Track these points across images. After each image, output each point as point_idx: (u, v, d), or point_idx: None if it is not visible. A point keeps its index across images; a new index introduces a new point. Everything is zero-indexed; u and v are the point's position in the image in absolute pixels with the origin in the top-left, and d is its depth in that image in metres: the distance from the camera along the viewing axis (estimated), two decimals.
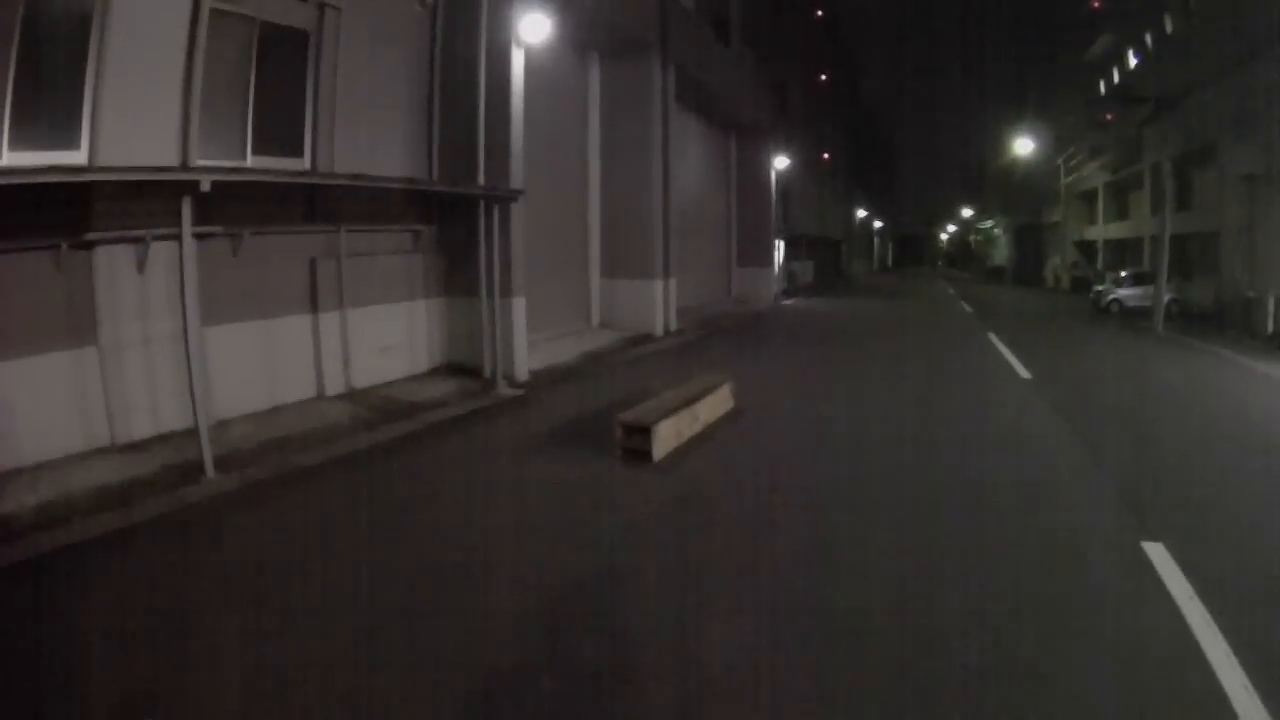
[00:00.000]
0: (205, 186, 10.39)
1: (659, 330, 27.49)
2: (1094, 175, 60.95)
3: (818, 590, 7.52)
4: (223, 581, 7.79)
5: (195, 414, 10.60)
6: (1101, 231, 60.59)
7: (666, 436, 11.91)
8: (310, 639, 6.52)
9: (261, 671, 6.03)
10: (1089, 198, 64.27)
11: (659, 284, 27.79)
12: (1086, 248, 65.16)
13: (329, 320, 15.34)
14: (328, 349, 15.36)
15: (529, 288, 18.68)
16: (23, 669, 6.16)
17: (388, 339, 16.82)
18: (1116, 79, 56.97)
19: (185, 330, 10.66)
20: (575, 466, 11.63)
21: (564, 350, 21.58)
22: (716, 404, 14.36)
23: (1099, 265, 58.47)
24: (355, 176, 14.81)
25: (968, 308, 45.28)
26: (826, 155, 70.17)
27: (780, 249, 51.27)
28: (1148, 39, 49.44)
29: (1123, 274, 43.25)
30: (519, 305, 17.93)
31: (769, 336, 30.20)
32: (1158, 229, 35.81)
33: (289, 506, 10.16)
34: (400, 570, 7.98)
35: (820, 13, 67.42)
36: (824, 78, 69.71)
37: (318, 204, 14.84)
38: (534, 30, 17.59)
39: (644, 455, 11.54)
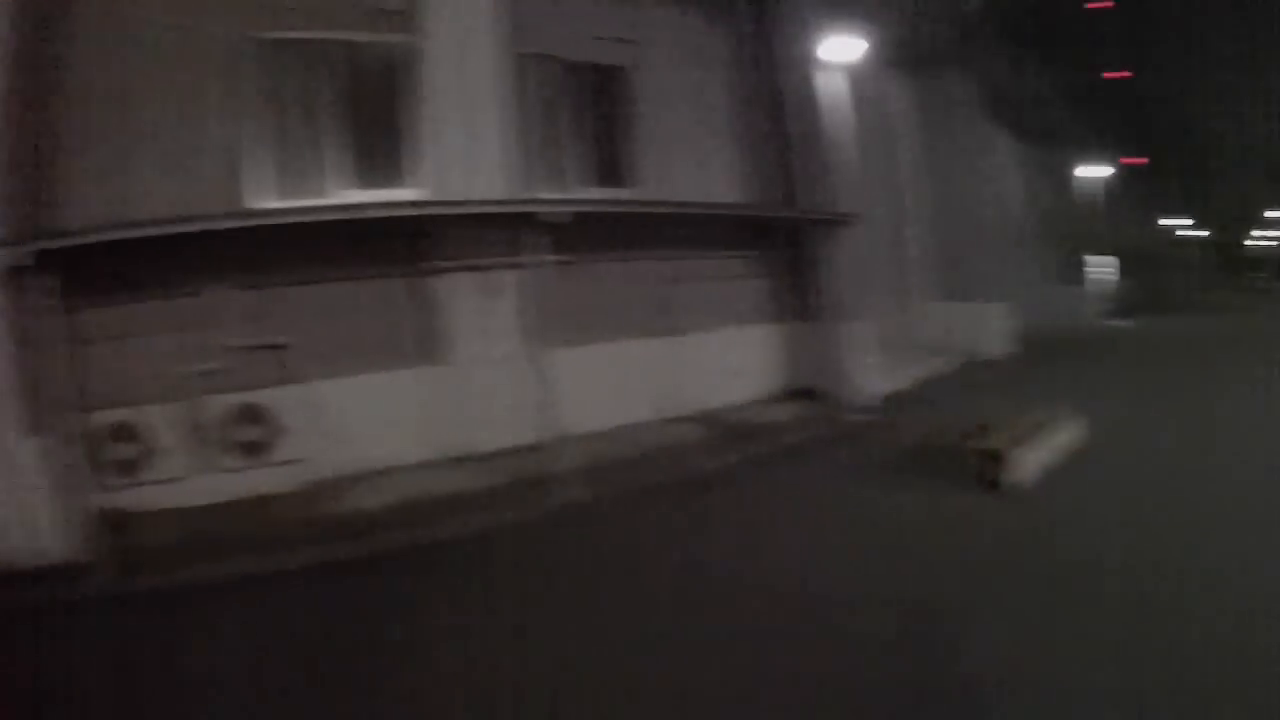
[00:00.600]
0: (560, 218, 11.31)
1: (992, 353, 26.44)
2: None
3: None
4: (556, 589, 8.38)
5: (542, 430, 11.52)
6: None
7: (1018, 464, 11.48)
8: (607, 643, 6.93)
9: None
10: None
11: (987, 306, 26.95)
12: None
13: (667, 344, 15.74)
14: (667, 371, 15.71)
15: (862, 311, 18.35)
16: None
17: (726, 362, 16.87)
18: None
19: (528, 352, 11.77)
20: (925, 493, 11.43)
21: (899, 375, 21.07)
22: (1065, 432, 13.70)
23: None
24: (685, 204, 15.14)
25: None
26: (1137, 161, 67.32)
27: (1095, 265, 49.39)
28: None
29: None
30: (856, 329, 17.63)
31: (1098, 358, 28.75)
32: None
33: (634, 522, 10.53)
34: (716, 601, 8.05)
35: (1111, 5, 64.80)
36: (1129, 77, 66.95)
37: (651, 232, 15.22)
38: (845, 51, 17.17)
39: (995, 484, 11.24)
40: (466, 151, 12.64)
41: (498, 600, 8.11)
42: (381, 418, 12.28)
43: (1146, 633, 7.19)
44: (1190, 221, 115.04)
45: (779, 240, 17.52)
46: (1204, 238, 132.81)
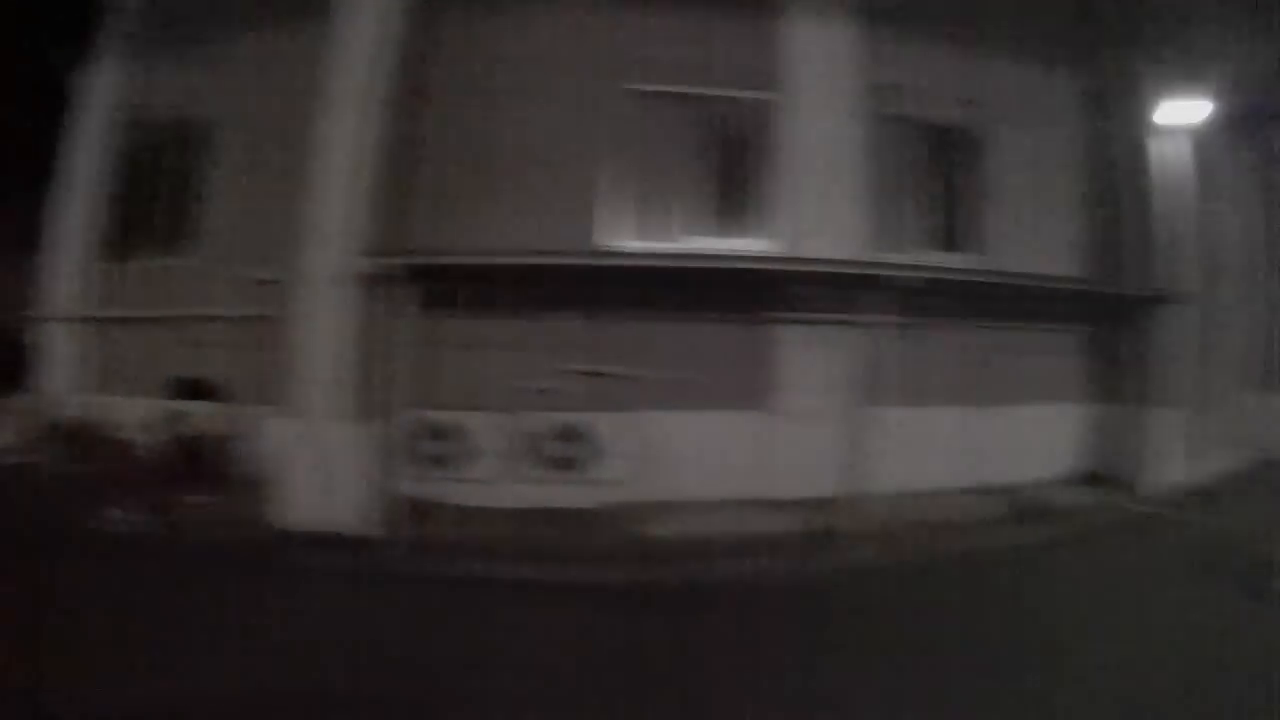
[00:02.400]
0: (903, 283, 11.96)
1: None
2: None
3: None
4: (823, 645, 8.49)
5: (847, 486, 12.11)
6: None
7: None
8: None
9: None
10: None
11: None
12: None
13: (975, 414, 15.62)
14: (970, 441, 15.55)
15: (1177, 398, 17.62)
16: None
17: (1031, 439, 16.59)
18: None
19: (851, 409, 12.24)
20: (1211, 605, 10.64)
21: (1203, 468, 20.25)
22: None
23: None
24: (1019, 275, 15.01)
25: None
26: None
27: None
28: None
29: None
30: (1165, 416, 16.93)
31: None
32: None
33: (920, 591, 10.59)
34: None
35: None
36: None
37: (981, 300, 15.20)
38: (1193, 113, 16.35)
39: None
40: (817, 209, 13.36)
41: (766, 648, 8.36)
42: (698, 453, 13.08)
43: None
44: None
45: (1103, 315, 17.06)
46: None
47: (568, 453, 13.55)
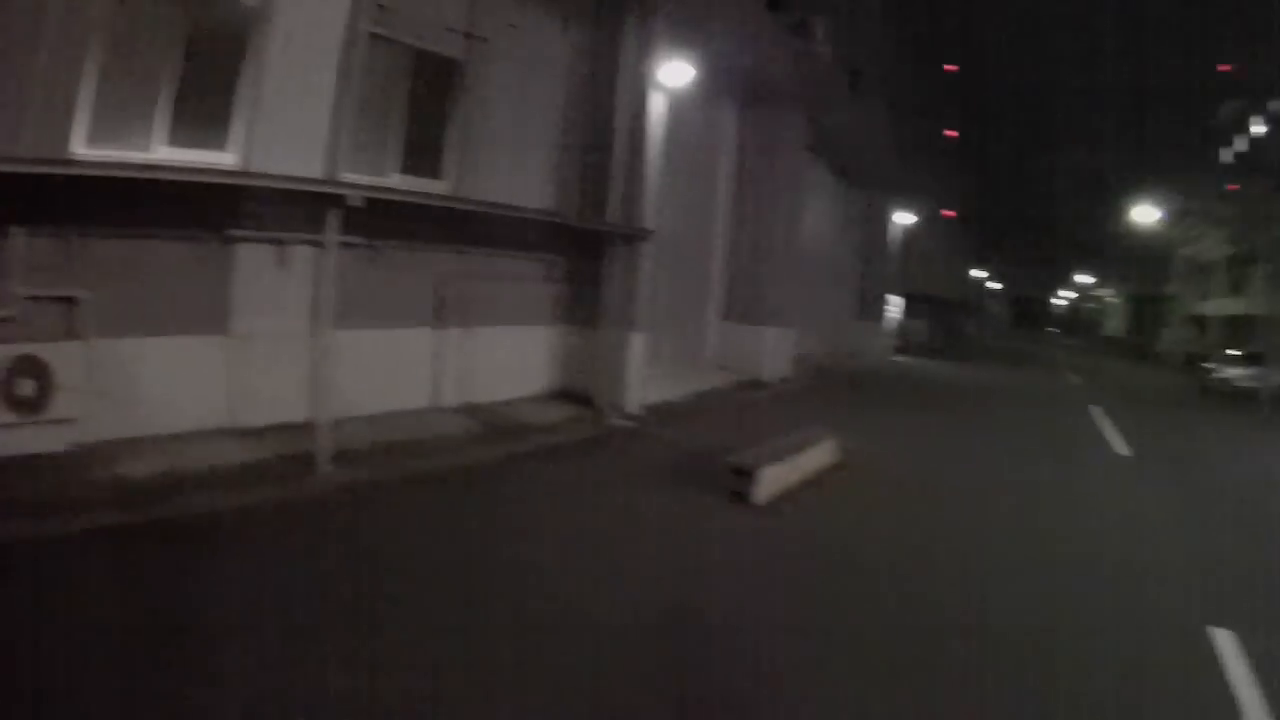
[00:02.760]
0: (356, 202, 11.30)
1: (772, 376, 27.42)
2: (1213, 247, 60.20)
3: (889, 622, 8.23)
4: (294, 577, 8.16)
5: (315, 408, 11.57)
6: (1215, 306, 59.71)
7: (772, 481, 12.26)
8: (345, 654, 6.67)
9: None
10: (1206, 271, 63.62)
11: (774, 331, 27.81)
12: (1199, 323, 64.23)
13: (452, 335, 15.91)
14: (447, 363, 15.93)
15: (648, 323, 19.01)
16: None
17: (506, 360, 17.25)
18: (1242, 147, 56.76)
19: (316, 329, 11.58)
20: (676, 503, 12.10)
21: (678, 387, 21.82)
22: (823, 455, 14.67)
23: (1212, 342, 56.82)
24: (493, 205, 15.37)
25: (1076, 379, 44.71)
26: (949, 213, 69.30)
27: (896, 305, 51.38)
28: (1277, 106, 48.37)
29: (1232, 352, 42.07)
30: (637, 340, 18.14)
31: (880, 392, 30.27)
32: (1271, 308, 37.19)
33: (396, 510, 10.66)
34: (480, 592, 8.28)
35: (951, 69, 67.01)
36: (951, 134, 69.14)
37: (452, 225, 15.37)
38: (675, 76, 17.98)
39: (748, 498, 11.87)
40: (289, 123, 12.55)
41: (247, 581, 7.89)
42: (162, 383, 11.86)
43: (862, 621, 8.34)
44: (998, 277, 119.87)
45: (582, 249, 18.00)
46: (1010, 292, 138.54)
47: (27, 391, 11.71)
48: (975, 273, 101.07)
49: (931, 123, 60.92)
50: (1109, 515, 14.04)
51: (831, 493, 13.36)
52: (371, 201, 11.95)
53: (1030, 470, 17.36)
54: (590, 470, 13.78)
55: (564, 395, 18.46)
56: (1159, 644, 8.39)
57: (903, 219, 46.41)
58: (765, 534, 10.95)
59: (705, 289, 27.78)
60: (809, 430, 15.09)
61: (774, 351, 27.87)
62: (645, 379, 18.83)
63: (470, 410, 15.92)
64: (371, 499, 10.76)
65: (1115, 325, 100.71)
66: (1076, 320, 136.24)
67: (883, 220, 45.37)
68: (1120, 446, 21.00)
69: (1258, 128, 51.92)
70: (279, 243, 12.75)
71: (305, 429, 11.80)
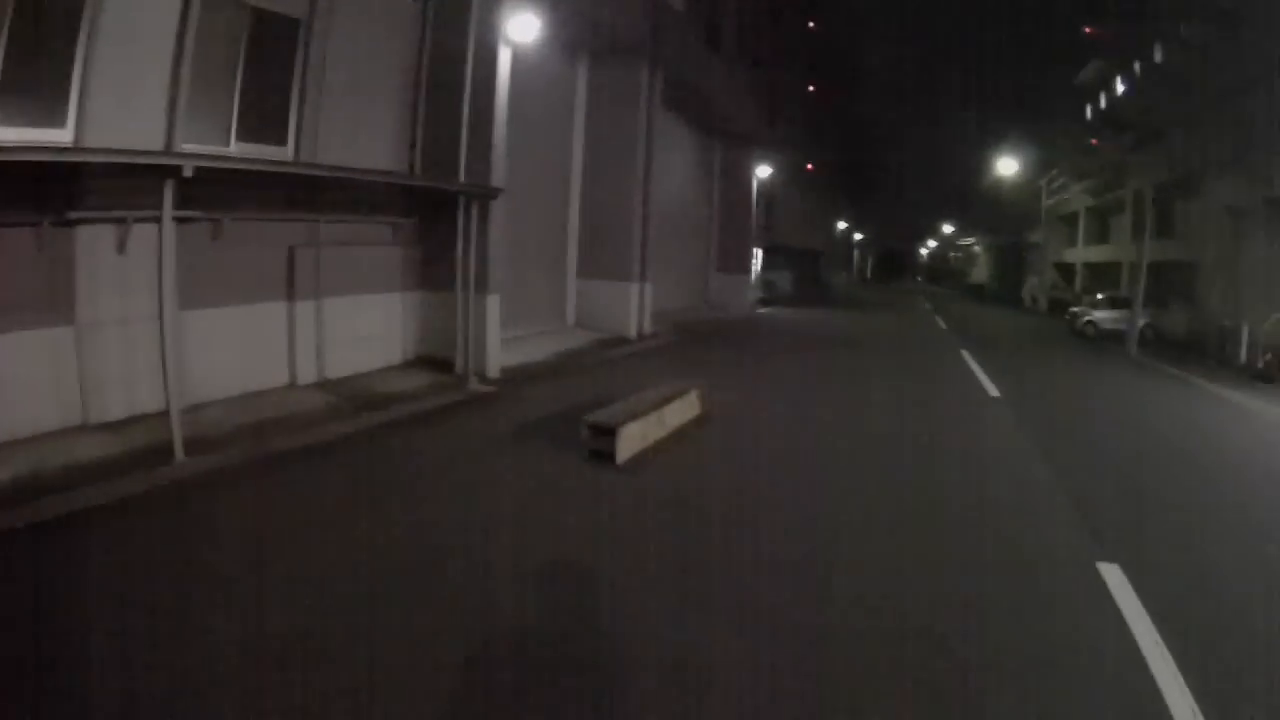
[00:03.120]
0: (188, 172, 10.53)
1: (633, 333, 27.45)
2: (1076, 199, 61.91)
3: (750, 586, 8.01)
4: (157, 571, 7.82)
5: (167, 396, 10.78)
6: (1081, 254, 61.34)
7: (632, 438, 12.09)
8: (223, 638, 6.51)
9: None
10: (1070, 220, 65.02)
11: (635, 286, 27.73)
12: (1065, 270, 65.95)
13: (306, 308, 15.47)
14: (303, 337, 15.49)
15: (506, 285, 18.79)
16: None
17: (363, 329, 16.91)
18: (1104, 104, 57.63)
19: (161, 312, 10.75)
20: (538, 464, 11.84)
21: (538, 349, 21.75)
22: (684, 409, 14.54)
23: (1077, 288, 59.12)
24: (335, 168, 14.75)
25: (943, 324, 45.42)
26: (811, 166, 69.79)
27: (759, 257, 51.63)
28: (1136, 67, 50.01)
29: (1098, 297, 43.38)
30: (494, 302, 17.97)
31: (743, 344, 30.10)
32: (1136, 255, 36.86)
33: (253, 493, 10.25)
34: (352, 563, 8.12)
35: (813, 24, 67.27)
36: (813, 89, 69.43)
37: (300, 192, 14.91)
38: (522, 30, 17.61)
39: (609, 456, 11.68)
40: (124, 93, 11.87)
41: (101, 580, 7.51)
42: (9, 384, 11.18)
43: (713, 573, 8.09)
44: (863, 228, 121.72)
45: (432, 211, 17.58)
46: (876, 243, 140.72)
47: None
48: (841, 224, 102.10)
49: (797, 79, 60.98)
50: (981, 457, 14.10)
51: (694, 447, 13.23)
52: (210, 172, 11.33)
53: (900, 416, 17.40)
54: (451, 436, 13.49)
55: (425, 362, 18.17)
56: (1053, 583, 8.41)
57: (765, 173, 46.53)
58: (624, 492, 10.75)
59: (563, 248, 27.60)
60: (671, 385, 14.91)
61: (636, 308, 27.78)
62: (506, 341, 18.72)
63: (330, 385, 15.60)
64: (227, 484, 10.35)
65: (981, 273, 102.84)
66: (942, 269, 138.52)
67: (746, 174, 45.31)
68: (991, 388, 21.24)
69: (1118, 87, 52.93)
70: (120, 222, 11.94)
71: (165, 418, 11.11)
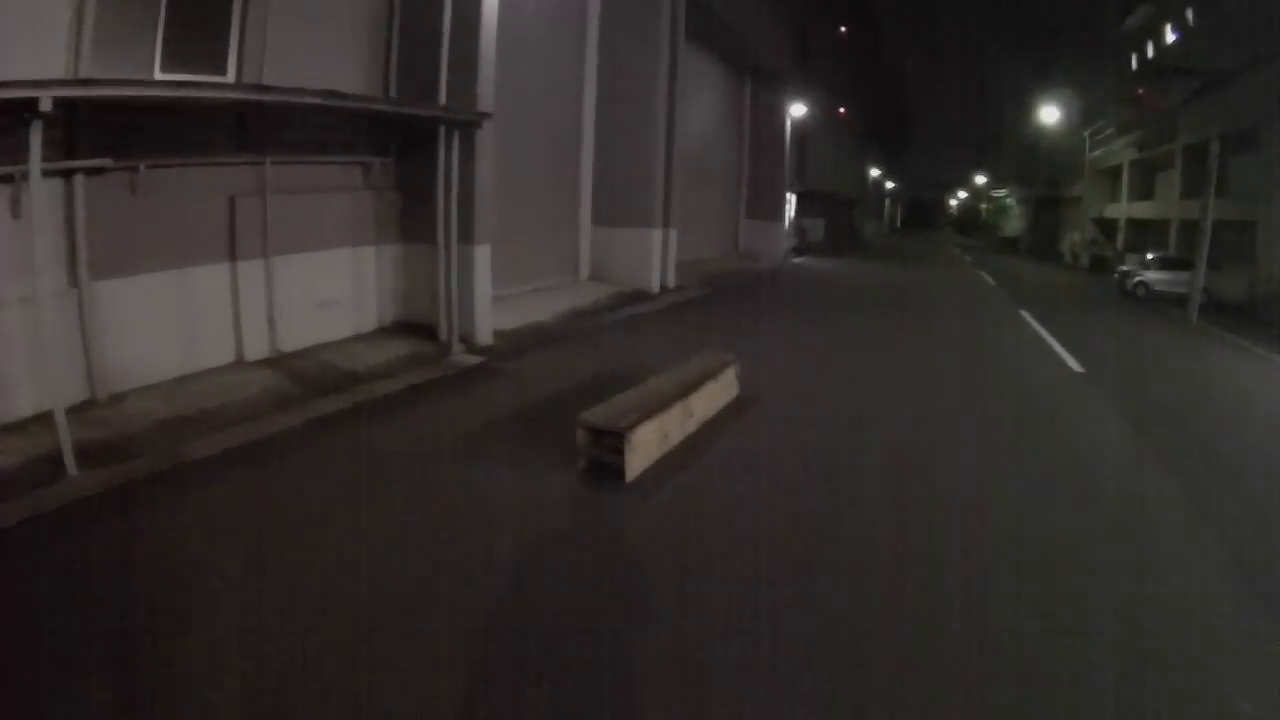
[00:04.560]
0: (45, 105, 7.66)
1: (655, 286, 24.96)
2: (1120, 152, 59.29)
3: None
4: None
5: (54, 392, 8.43)
6: (1124, 210, 58.92)
7: (647, 444, 9.06)
8: None
9: None
10: (1113, 174, 62.73)
11: (658, 234, 25.09)
12: (1106, 225, 63.52)
13: (252, 270, 12.63)
14: (251, 305, 12.65)
15: (507, 234, 16.47)
16: None
17: (327, 292, 14.12)
18: (1151, 53, 55.42)
19: (35, 287, 8.34)
20: (518, 483, 8.83)
21: (544, 307, 19.04)
22: (719, 393, 11.61)
23: (1119, 245, 57.17)
24: (287, 90, 11.52)
25: (990, 279, 43.02)
26: (844, 110, 67.21)
27: (792, 204, 49.03)
28: (1189, 13, 47.80)
29: (1149, 257, 40.97)
30: (483, 254, 15.19)
31: (781, 301, 27.35)
32: (1188, 212, 37.13)
33: (145, 522, 7.52)
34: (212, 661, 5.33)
35: None
36: (845, 29, 66.71)
37: (249, 129, 12.15)
38: None
39: (615, 470, 8.68)
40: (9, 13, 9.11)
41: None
42: None
43: None
44: (895, 176, 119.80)
45: (412, 147, 14.76)
46: (905, 192, 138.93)
47: None
48: (874, 172, 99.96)
49: (827, 16, 58.50)
50: (1092, 465, 10.94)
51: (732, 449, 10.25)
52: (129, 108, 9.28)
53: (982, 402, 14.37)
54: (415, 433, 10.54)
55: (405, 329, 15.43)
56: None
57: (799, 113, 44.54)
58: (635, 534, 7.69)
59: (575, 191, 24.75)
60: (702, 359, 11.97)
61: (659, 258, 25.29)
62: (507, 299, 16.62)
63: (285, 361, 12.80)
64: (118, 508, 7.70)
65: (1014, 226, 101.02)
66: (972, 221, 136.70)
67: (778, 116, 43.10)
68: (1070, 361, 18.37)
69: (1168, 35, 50.97)
70: (9, 180, 9.10)
71: (83, 410, 9.16)
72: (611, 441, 8.66)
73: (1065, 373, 17.28)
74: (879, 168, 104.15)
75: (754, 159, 42.22)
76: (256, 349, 12.75)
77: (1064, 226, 75.77)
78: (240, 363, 12.47)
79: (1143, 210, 55.03)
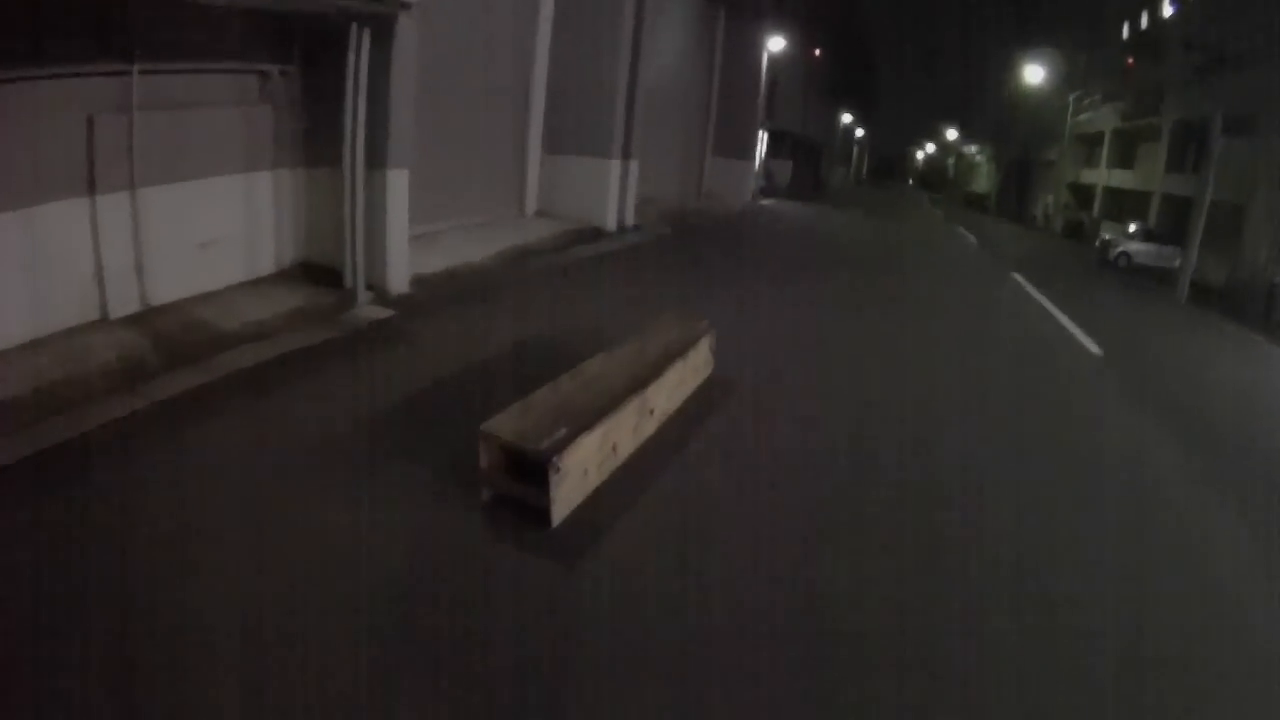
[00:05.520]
0: None
1: (612, 224, 22.38)
2: (1102, 119, 58.87)
3: None
4: None
5: None
6: (1102, 177, 58.16)
7: (583, 468, 6.32)
8: None
9: None
10: (1091, 141, 62.13)
11: (616, 165, 22.41)
12: (1079, 191, 63.15)
13: (118, 205, 9.68)
14: (114, 250, 9.71)
15: (437, 159, 14.14)
16: None
17: (211, 230, 11.15)
18: (1145, 24, 54.41)
19: None
20: (385, 529, 5.89)
21: (479, 246, 16.20)
22: (685, 377, 8.89)
23: (1095, 213, 56.85)
24: None
25: (971, 237, 42.08)
26: (818, 52, 64.79)
27: (763, 143, 47.16)
28: None
29: (1132, 228, 40.79)
30: (398, 181, 12.31)
31: (752, 247, 25.05)
32: (1171, 187, 38.37)
33: None
34: None
35: None
36: None
37: (111, 29, 9.30)
38: None
39: (535, 509, 5.93)
40: None
41: None
42: None
43: None
44: (864, 124, 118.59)
45: (319, 53, 11.91)
46: (872, 141, 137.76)
47: None
48: (846, 118, 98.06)
49: None
50: (1159, 496, 8.55)
51: (705, 473, 7.46)
52: None
53: (1006, 392, 11.99)
54: (262, 432, 7.50)
55: (309, 271, 12.54)
56: None
57: (772, 48, 42.39)
58: (547, 652, 4.83)
59: (524, 112, 21.67)
60: (667, 326, 9.35)
61: (616, 192, 22.66)
62: (435, 236, 14.61)
63: (153, 318, 9.86)
64: None
65: (982, 184, 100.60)
66: (938, 176, 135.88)
67: (752, 52, 40.75)
68: (1085, 341, 16.17)
69: (1166, 8, 50.36)
70: None
71: None
72: (530, 467, 5.88)
73: (1082, 356, 15.11)
74: (851, 114, 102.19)
75: (724, 93, 39.62)
76: (123, 304, 9.88)
77: (1035, 189, 75.55)
78: (105, 321, 9.59)
79: (1122, 179, 54.53)
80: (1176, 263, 32.60)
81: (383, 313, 11.36)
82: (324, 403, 8.29)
